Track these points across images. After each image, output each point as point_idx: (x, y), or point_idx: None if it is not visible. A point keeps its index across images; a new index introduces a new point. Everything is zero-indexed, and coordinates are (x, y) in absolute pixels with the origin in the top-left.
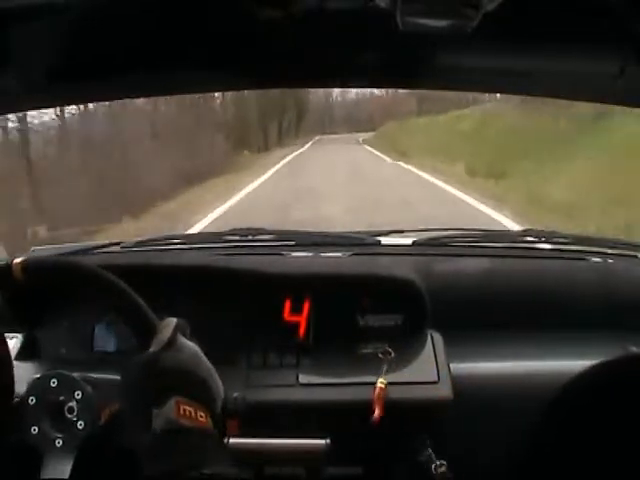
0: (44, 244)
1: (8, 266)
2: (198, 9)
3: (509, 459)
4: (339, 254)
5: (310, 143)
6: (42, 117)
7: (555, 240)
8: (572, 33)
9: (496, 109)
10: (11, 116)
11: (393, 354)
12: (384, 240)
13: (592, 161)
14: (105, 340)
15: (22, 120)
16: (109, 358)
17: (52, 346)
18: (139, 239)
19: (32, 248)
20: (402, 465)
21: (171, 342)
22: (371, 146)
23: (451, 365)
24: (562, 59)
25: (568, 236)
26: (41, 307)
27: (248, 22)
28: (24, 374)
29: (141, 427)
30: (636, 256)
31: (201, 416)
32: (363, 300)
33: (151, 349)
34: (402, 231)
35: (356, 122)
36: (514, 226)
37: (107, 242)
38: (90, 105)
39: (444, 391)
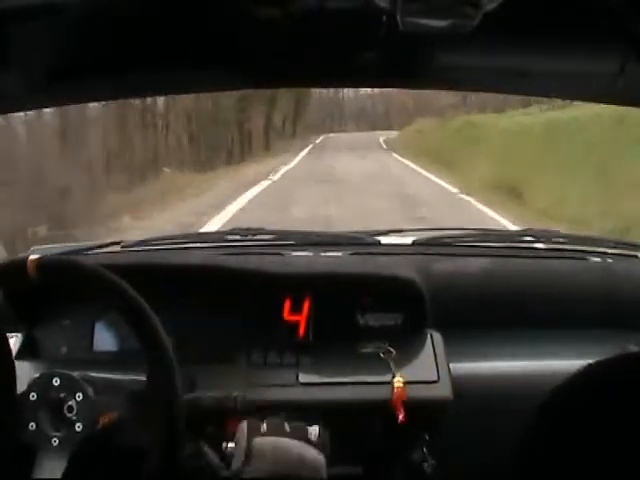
0: (44, 244)
1: (23, 262)
2: (197, 9)
3: (509, 458)
4: (339, 253)
5: (310, 147)
6: None
7: (555, 240)
8: (572, 33)
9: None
10: None
11: (394, 353)
12: (384, 240)
13: None
14: (105, 339)
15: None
16: (109, 357)
17: (52, 345)
18: (139, 239)
19: (32, 248)
20: (402, 465)
21: (249, 454)
22: (403, 156)
23: (451, 365)
24: (562, 59)
25: (568, 236)
26: (41, 306)
27: (247, 22)
28: (24, 373)
29: None
30: (636, 256)
31: None
32: (363, 299)
33: (233, 467)
34: (402, 230)
35: (370, 118)
36: None
37: (107, 242)
38: None
39: (444, 391)
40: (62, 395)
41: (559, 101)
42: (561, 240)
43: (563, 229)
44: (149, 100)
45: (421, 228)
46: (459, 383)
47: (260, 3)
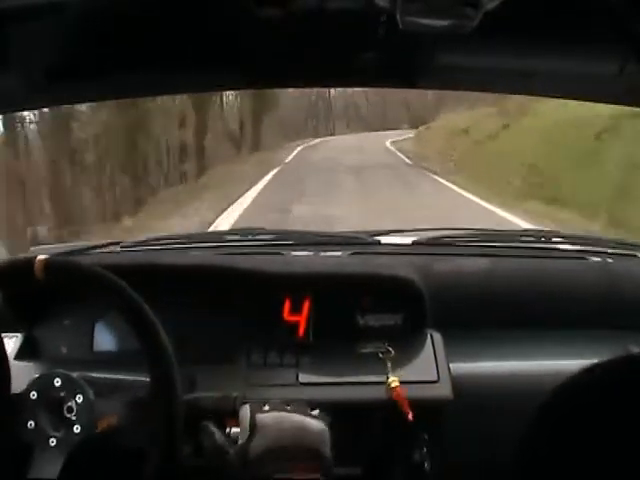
0: (44, 244)
1: (30, 262)
2: (197, 9)
3: (509, 458)
4: (339, 253)
5: (271, 174)
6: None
7: (555, 240)
8: (572, 33)
9: None
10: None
11: (393, 353)
12: (384, 240)
13: None
14: (105, 340)
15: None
16: (109, 358)
17: (52, 345)
18: (139, 239)
19: (32, 248)
20: (401, 465)
21: (253, 429)
22: (484, 197)
23: (451, 365)
24: (562, 59)
25: (568, 236)
26: (41, 306)
27: (247, 22)
28: (24, 373)
29: None
30: (636, 256)
31: None
32: (363, 299)
33: (238, 440)
34: (402, 231)
35: (363, 116)
36: None
37: (107, 242)
38: None
39: (444, 391)
40: (62, 395)
41: None
42: (561, 240)
43: None
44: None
45: (421, 228)
46: (459, 383)
47: (260, 3)
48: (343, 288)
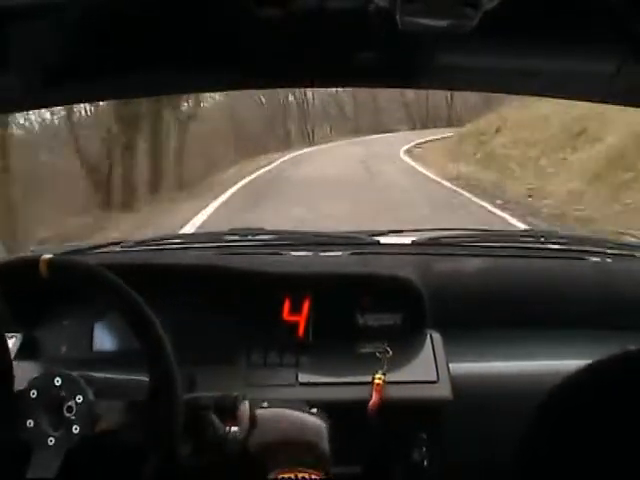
0: (44, 244)
1: (36, 261)
2: (197, 9)
3: (509, 458)
4: (339, 253)
5: None
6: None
7: (555, 240)
8: (571, 33)
9: None
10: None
11: (391, 353)
12: (383, 240)
13: None
14: (105, 339)
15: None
16: (109, 358)
17: (52, 345)
18: (139, 239)
19: (32, 248)
20: (401, 465)
21: (252, 424)
22: None
23: (450, 365)
24: (562, 59)
25: (568, 236)
26: (41, 306)
27: (247, 22)
28: (24, 373)
29: None
30: (635, 256)
31: (304, 477)
32: (362, 299)
33: (237, 435)
34: (401, 231)
35: (347, 118)
36: None
37: (107, 242)
38: None
39: (443, 391)
40: (62, 394)
41: None
42: (561, 240)
43: None
44: None
45: (421, 228)
46: (458, 383)
47: (260, 3)
48: (343, 288)
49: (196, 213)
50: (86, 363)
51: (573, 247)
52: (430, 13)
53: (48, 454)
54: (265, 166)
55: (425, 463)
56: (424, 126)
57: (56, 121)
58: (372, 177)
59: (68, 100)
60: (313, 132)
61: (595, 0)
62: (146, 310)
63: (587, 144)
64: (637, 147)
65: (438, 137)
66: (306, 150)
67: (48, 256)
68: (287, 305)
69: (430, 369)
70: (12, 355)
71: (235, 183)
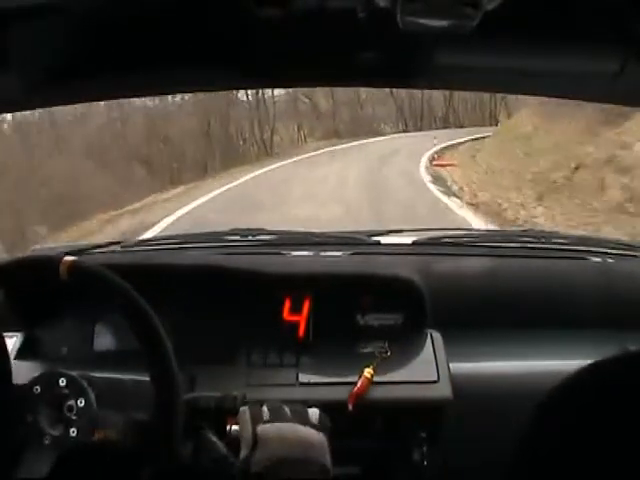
0: (44, 244)
1: (56, 262)
2: (197, 8)
3: (509, 458)
4: (339, 253)
5: None
6: None
7: (555, 240)
8: (572, 33)
9: None
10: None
11: (389, 353)
12: (384, 240)
13: None
14: (106, 339)
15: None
16: (109, 357)
17: (53, 345)
18: (139, 239)
19: (32, 247)
20: (401, 464)
21: (255, 441)
22: None
23: (451, 365)
24: (562, 58)
25: (568, 236)
26: (41, 306)
27: (247, 21)
28: (24, 373)
29: None
30: (636, 256)
31: None
32: (363, 299)
33: (241, 456)
34: (401, 231)
35: (321, 115)
36: None
37: (107, 242)
38: None
39: (444, 390)
40: (66, 392)
41: None
42: (561, 240)
43: None
44: None
45: (421, 228)
46: (459, 383)
47: (260, 3)
48: (343, 288)
49: None
50: (86, 363)
51: (574, 247)
52: (431, 13)
53: (41, 454)
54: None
55: (425, 463)
56: (416, 126)
57: None
58: None
59: (68, 100)
60: (271, 140)
61: (596, 0)
62: (148, 310)
63: None
64: None
65: (461, 141)
66: (245, 179)
67: (70, 259)
68: (287, 305)
69: (430, 369)
70: (12, 355)
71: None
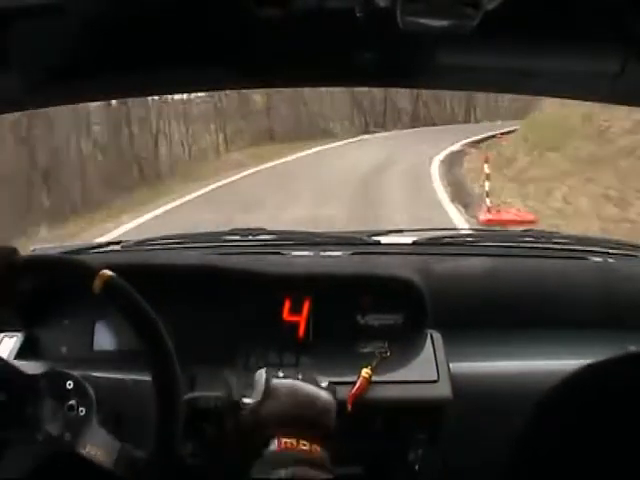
0: (44, 243)
1: (93, 273)
2: (197, 8)
3: (508, 458)
4: (339, 253)
5: None
6: None
7: (555, 240)
8: (572, 33)
9: None
10: None
11: (389, 353)
12: (384, 240)
13: None
14: (105, 339)
15: None
16: (109, 357)
17: (52, 345)
18: (139, 239)
19: (32, 247)
20: (401, 464)
21: (267, 392)
22: None
23: (451, 365)
24: (562, 58)
25: (568, 236)
26: (41, 306)
27: (247, 21)
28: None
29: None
30: (636, 256)
31: (304, 445)
32: (363, 299)
33: (251, 402)
34: (401, 231)
35: (251, 119)
36: None
37: (107, 241)
38: None
39: (444, 390)
40: (69, 393)
41: None
42: (561, 240)
43: None
44: None
45: (421, 228)
46: (459, 383)
47: (260, 3)
48: (343, 288)
49: None
50: (86, 362)
51: (574, 247)
52: (431, 13)
53: (30, 449)
54: None
55: (425, 463)
56: (378, 124)
57: None
58: None
59: (68, 100)
60: (172, 167)
61: (596, 0)
62: (148, 310)
63: None
64: None
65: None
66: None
67: (108, 273)
68: (287, 305)
69: (430, 369)
70: (12, 355)
71: None
